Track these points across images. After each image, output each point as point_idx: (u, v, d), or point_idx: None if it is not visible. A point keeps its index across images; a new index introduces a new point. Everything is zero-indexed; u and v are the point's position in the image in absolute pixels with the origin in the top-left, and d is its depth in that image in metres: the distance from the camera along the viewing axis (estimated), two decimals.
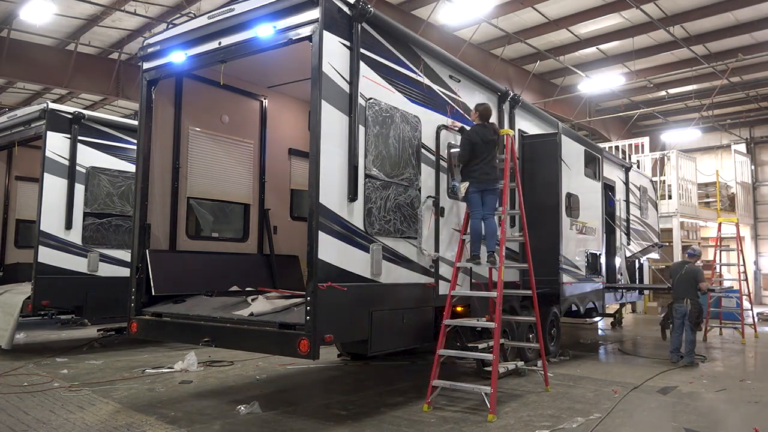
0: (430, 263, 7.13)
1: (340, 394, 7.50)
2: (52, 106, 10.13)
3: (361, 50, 6.18)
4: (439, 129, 7.48)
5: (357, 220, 6.07)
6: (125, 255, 10.01)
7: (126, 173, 10.72)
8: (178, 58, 7.01)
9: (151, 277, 7.12)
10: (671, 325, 10.02)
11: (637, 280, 14.56)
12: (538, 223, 9.31)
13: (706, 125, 24.83)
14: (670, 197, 19.00)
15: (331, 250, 5.70)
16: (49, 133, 9.90)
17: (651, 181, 16.76)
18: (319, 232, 5.57)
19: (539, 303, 9.68)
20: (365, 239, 6.16)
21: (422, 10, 16.19)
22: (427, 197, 7.14)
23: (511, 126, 9.21)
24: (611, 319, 15.26)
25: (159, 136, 7.68)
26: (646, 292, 15.93)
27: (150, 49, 7.42)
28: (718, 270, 15.22)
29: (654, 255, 15.90)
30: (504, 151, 7.50)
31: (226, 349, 7.49)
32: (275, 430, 5.83)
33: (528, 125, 9.81)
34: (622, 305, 15.18)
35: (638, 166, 17.62)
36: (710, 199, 22.37)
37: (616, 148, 20.02)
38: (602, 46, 19.29)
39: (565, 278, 9.44)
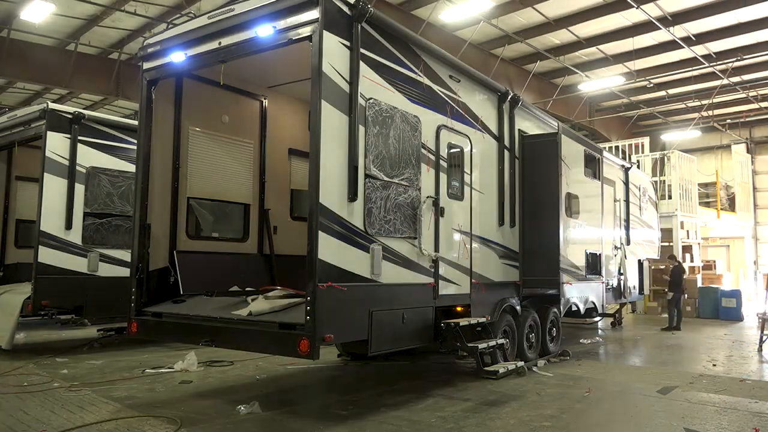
0: (430, 263, 7.13)
1: (340, 394, 7.50)
2: (52, 106, 10.13)
3: (361, 50, 6.18)
4: (439, 129, 7.48)
5: (357, 220, 6.07)
6: (125, 255, 10.01)
7: (126, 173, 10.71)
8: (178, 58, 7.01)
9: (179, 277, 7.35)
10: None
11: (638, 280, 14.53)
12: (538, 224, 9.33)
13: (706, 125, 24.84)
14: (670, 197, 19.00)
15: (331, 250, 5.71)
16: (49, 133, 9.90)
17: (651, 181, 16.74)
18: (319, 232, 5.58)
19: (539, 303, 9.76)
20: (365, 239, 6.16)
21: (422, 10, 16.20)
22: (427, 197, 7.14)
23: (511, 126, 9.22)
24: (611, 319, 15.26)
25: (159, 136, 7.67)
26: (647, 291, 15.92)
27: (150, 49, 7.42)
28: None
29: (654, 255, 15.89)
30: None
31: (226, 349, 7.49)
32: (275, 430, 5.83)
33: (528, 125, 9.81)
34: (622, 305, 15.17)
35: (638, 166, 17.61)
36: (710, 199, 22.38)
37: (616, 148, 20.01)
38: (602, 46, 19.29)
39: (565, 278, 9.44)
